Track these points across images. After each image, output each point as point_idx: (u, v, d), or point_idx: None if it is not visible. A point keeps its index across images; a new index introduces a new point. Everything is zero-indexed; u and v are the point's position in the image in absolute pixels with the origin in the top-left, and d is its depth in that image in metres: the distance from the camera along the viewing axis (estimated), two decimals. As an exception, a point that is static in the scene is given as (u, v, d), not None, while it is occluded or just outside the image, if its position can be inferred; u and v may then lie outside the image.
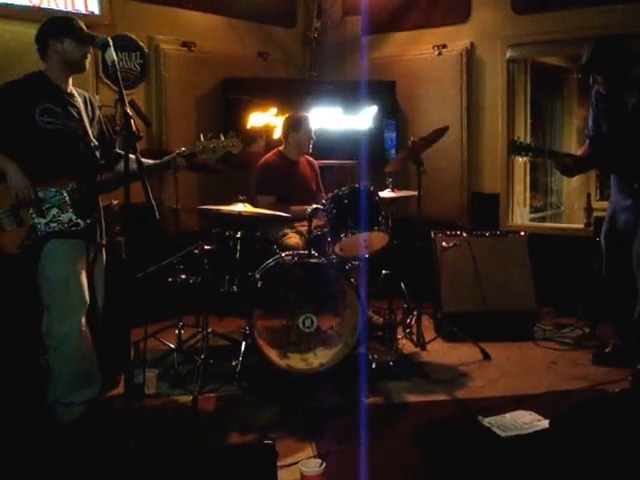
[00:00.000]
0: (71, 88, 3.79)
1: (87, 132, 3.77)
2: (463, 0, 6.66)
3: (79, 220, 3.63)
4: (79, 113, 3.75)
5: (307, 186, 5.58)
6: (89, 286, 3.74)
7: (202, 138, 3.98)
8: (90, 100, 3.93)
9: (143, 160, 3.38)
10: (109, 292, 3.98)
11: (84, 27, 3.73)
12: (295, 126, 5.50)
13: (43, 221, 3.57)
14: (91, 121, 3.85)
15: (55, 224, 3.58)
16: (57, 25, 3.68)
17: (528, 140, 6.38)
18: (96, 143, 3.83)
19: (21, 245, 3.56)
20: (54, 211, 3.59)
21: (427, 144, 5.14)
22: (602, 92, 4.52)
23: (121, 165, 3.89)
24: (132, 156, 3.30)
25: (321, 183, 5.78)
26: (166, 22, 6.20)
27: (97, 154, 3.85)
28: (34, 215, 3.57)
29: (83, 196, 3.66)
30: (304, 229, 4.90)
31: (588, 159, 4.71)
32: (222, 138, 3.97)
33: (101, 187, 3.87)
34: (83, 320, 3.65)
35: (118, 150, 4.06)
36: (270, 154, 5.57)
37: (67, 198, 3.60)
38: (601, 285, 4.80)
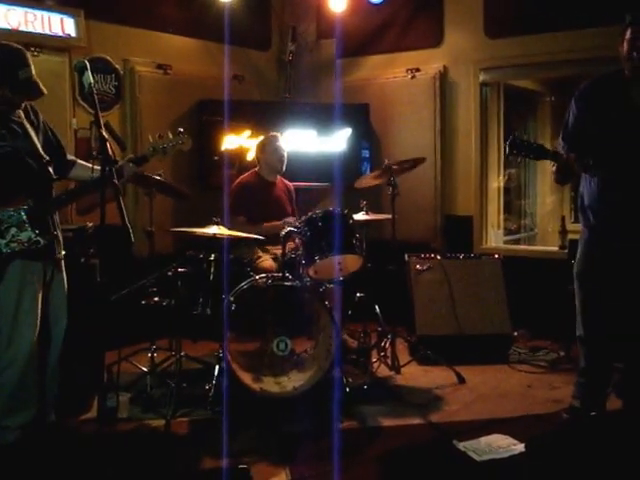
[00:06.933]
0: None
1: (36, 148, 3.69)
2: (436, 24, 6.74)
3: (39, 238, 3.56)
4: (24, 128, 3.66)
5: (282, 207, 5.59)
6: (44, 308, 3.69)
7: (151, 139, 3.98)
8: (32, 108, 3.79)
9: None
10: (81, 314, 3.93)
11: (32, 75, 3.58)
12: (262, 147, 5.59)
13: (3, 242, 3.49)
14: (37, 132, 3.76)
15: (15, 244, 3.51)
16: (2, 67, 3.53)
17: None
18: (47, 158, 3.75)
19: None
20: (13, 231, 3.50)
21: (402, 170, 5.17)
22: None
23: (76, 171, 3.97)
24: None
25: (295, 206, 5.78)
26: (142, 45, 6.20)
27: (50, 169, 3.78)
28: None
29: (40, 213, 3.61)
30: (278, 252, 4.89)
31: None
32: (171, 136, 3.98)
33: (57, 203, 3.84)
34: (30, 346, 3.60)
35: (69, 156, 4.00)
36: (247, 174, 5.62)
37: (24, 217, 3.53)
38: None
